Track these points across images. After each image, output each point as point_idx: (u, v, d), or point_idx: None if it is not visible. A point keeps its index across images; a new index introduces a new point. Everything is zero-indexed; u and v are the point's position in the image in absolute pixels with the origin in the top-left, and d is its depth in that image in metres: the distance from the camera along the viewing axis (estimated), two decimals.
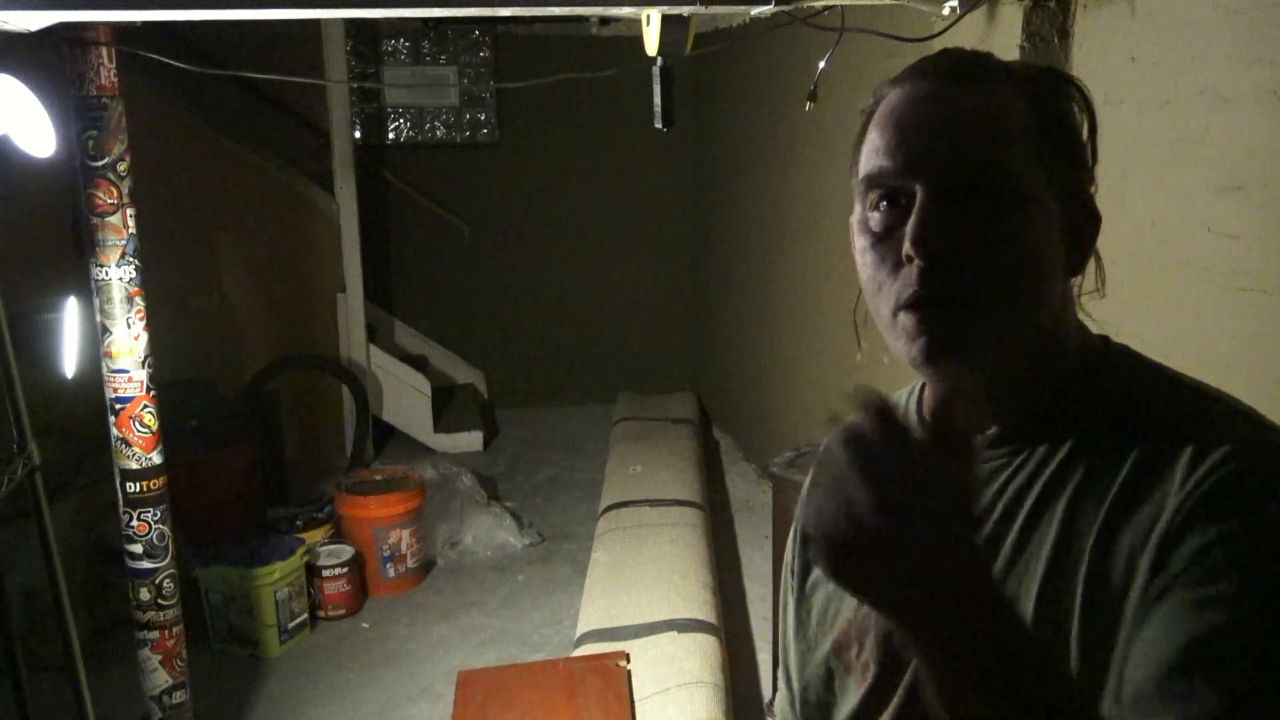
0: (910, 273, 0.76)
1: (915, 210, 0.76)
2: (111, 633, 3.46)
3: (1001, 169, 0.75)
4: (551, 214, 6.26)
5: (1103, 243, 0.81)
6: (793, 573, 0.95)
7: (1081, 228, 0.80)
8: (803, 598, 0.93)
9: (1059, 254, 0.78)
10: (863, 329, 0.90)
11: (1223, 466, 0.67)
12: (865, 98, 0.87)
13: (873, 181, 0.79)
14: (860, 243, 0.81)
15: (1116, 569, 0.68)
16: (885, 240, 0.78)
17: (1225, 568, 0.64)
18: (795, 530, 0.97)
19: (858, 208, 0.82)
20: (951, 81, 0.79)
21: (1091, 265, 0.82)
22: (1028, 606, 0.71)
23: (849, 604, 0.86)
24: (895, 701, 0.80)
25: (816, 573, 0.91)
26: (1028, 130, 0.77)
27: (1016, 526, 0.76)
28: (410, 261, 6.16)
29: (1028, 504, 0.76)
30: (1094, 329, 0.84)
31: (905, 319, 0.77)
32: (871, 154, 0.80)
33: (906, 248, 0.75)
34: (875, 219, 0.79)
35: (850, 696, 0.85)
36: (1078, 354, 0.81)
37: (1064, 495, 0.74)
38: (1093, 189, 0.82)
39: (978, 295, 0.75)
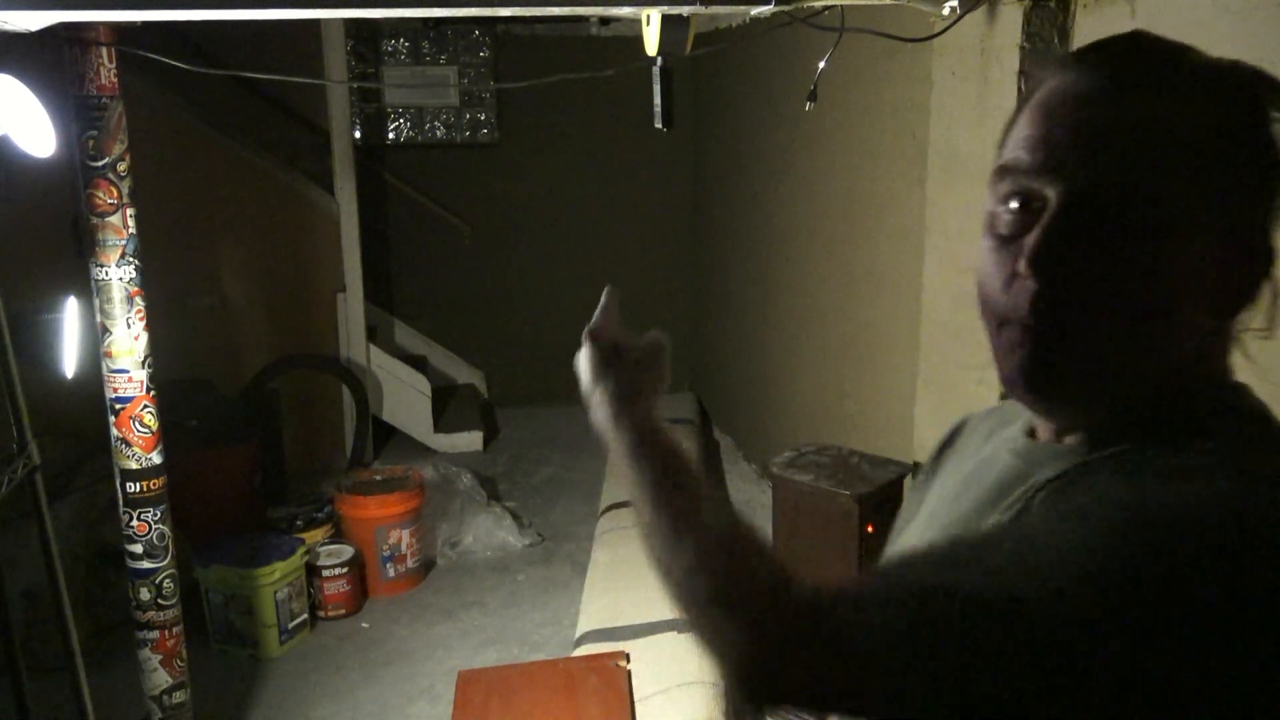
0: (1022, 290, 0.70)
1: (1042, 221, 0.69)
2: (111, 633, 3.46)
3: (1149, 194, 0.66)
4: (551, 214, 6.26)
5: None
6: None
7: (1241, 265, 0.69)
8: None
9: (1203, 294, 0.68)
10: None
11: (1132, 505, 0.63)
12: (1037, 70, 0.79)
13: (1005, 173, 0.73)
14: (984, 239, 0.75)
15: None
16: (1008, 245, 0.72)
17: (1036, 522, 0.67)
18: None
19: (989, 197, 0.76)
20: (1120, 81, 0.70)
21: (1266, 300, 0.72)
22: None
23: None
24: None
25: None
26: (1197, 150, 0.67)
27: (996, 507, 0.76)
28: (410, 261, 6.15)
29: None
30: (1252, 371, 0.76)
31: (1007, 337, 0.72)
32: (1014, 142, 0.74)
33: (1022, 263, 0.69)
34: (1003, 218, 0.73)
35: None
36: (1185, 401, 0.71)
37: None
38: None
39: (1090, 331, 0.68)
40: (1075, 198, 0.68)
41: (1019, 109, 0.76)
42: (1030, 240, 0.69)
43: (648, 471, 0.82)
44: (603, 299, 1.01)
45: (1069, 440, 0.75)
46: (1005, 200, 0.72)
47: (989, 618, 0.59)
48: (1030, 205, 0.70)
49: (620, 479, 0.86)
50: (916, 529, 0.90)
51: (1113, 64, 0.72)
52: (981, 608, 0.59)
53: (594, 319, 0.99)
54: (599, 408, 0.92)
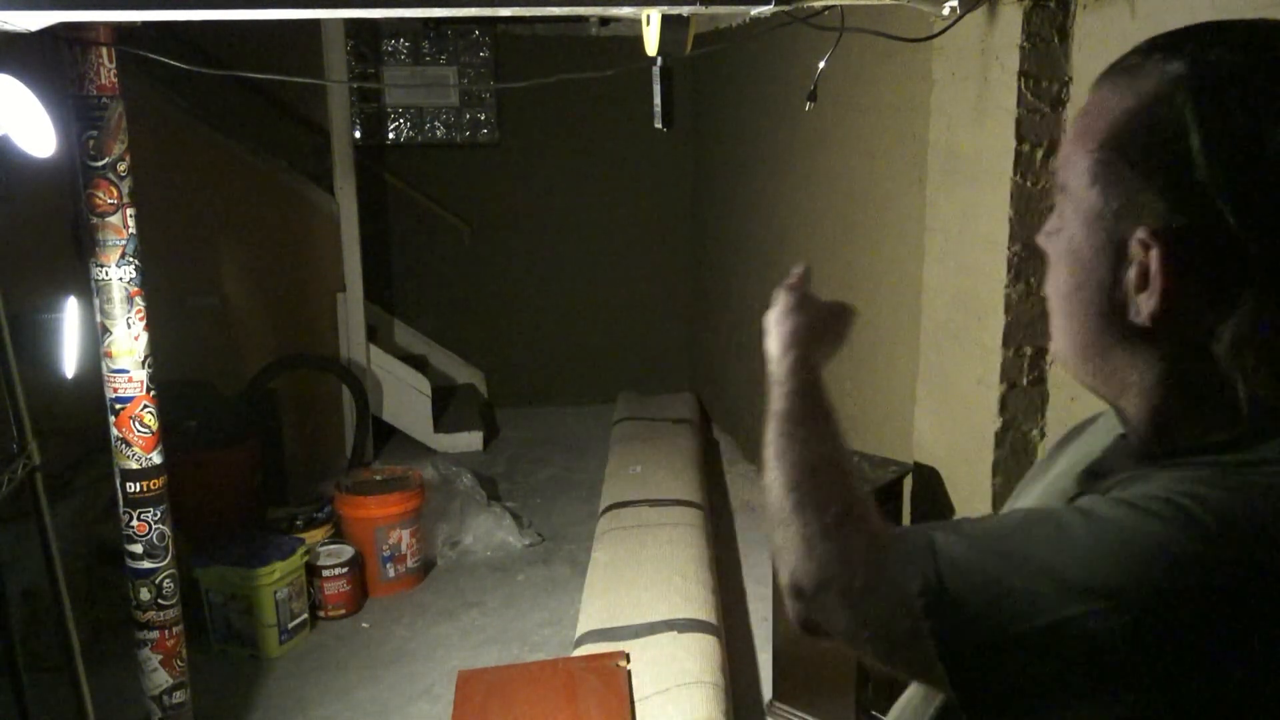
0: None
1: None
2: (111, 633, 3.46)
3: (1072, 184, 0.74)
4: (551, 214, 6.26)
5: None
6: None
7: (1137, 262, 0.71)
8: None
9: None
10: None
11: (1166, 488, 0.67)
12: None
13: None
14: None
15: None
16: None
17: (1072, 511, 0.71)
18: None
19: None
20: (1105, 78, 0.74)
21: None
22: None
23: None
24: None
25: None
26: (1111, 144, 0.71)
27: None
28: (410, 261, 6.15)
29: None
30: None
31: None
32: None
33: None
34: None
35: None
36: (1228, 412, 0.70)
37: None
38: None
39: (1051, 313, 0.79)
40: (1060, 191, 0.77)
41: None
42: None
43: (783, 403, 0.91)
44: (798, 268, 1.07)
45: (1138, 436, 0.78)
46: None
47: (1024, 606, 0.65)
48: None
49: (768, 409, 0.92)
50: (1027, 502, 0.96)
51: (1114, 66, 0.76)
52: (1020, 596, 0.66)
53: (791, 278, 1.05)
54: (774, 340, 0.98)
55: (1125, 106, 0.70)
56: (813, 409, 0.90)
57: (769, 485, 0.84)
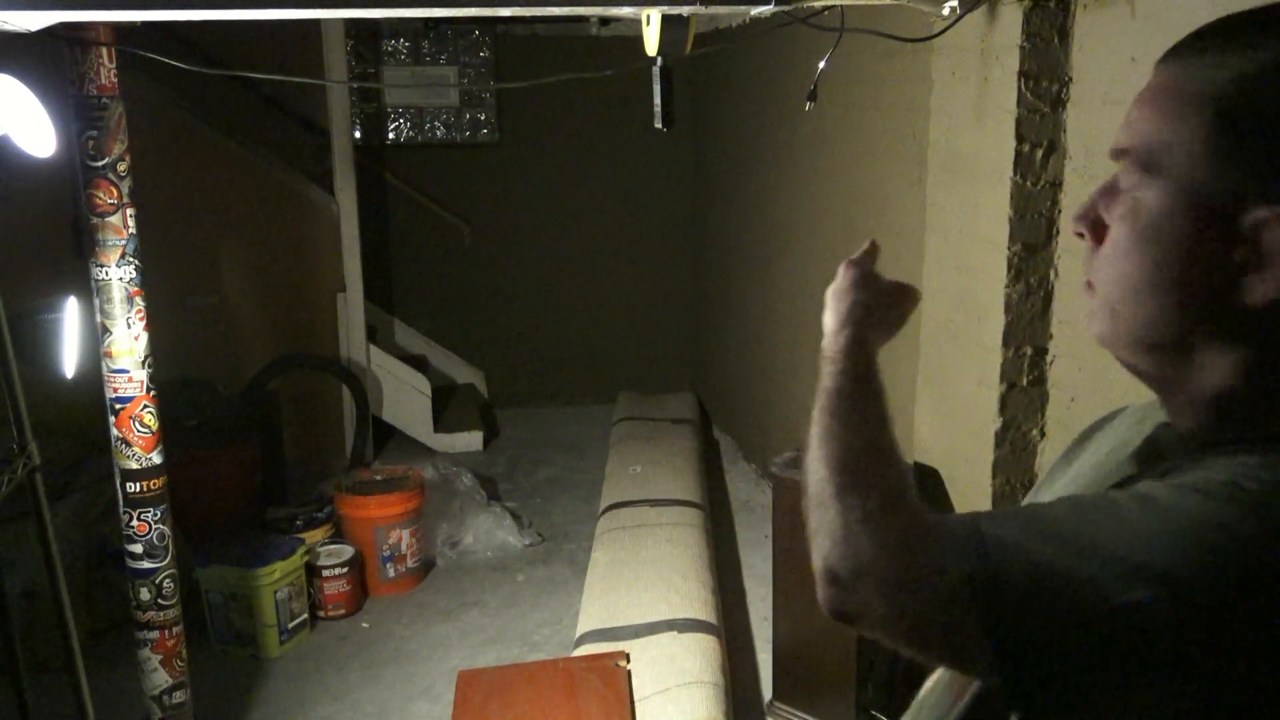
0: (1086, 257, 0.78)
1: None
2: (111, 633, 3.46)
3: (1164, 160, 0.69)
4: (551, 214, 6.26)
5: None
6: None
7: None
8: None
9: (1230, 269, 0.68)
10: None
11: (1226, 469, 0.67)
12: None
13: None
14: None
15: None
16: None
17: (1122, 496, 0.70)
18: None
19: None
20: (1177, 56, 0.72)
21: None
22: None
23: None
24: None
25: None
26: (1229, 117, 0.67)
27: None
28: (410, 261, 6.15)
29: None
30: None
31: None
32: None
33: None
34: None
35: None
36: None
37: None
38: None
39: (1117, 296, 0.74)
40: (1124, 166, 0.74)
41: None
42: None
43: (833, 381, 0.89)
44: (866, 246, 1.04)
45: (1201, 422, 0.76)
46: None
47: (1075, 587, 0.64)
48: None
49: (818, 385, 0.91)
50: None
51: (1183, 43, 0.74)
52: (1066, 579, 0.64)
53: (856, 254, 1.03)
54: (830, 315, 0.96)
55: (1242, 75, 0.67)
56: (863, 391, 0.87)
57: (811, 465, 0.83)
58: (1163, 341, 0.73)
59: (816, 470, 0.81)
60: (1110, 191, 0.75)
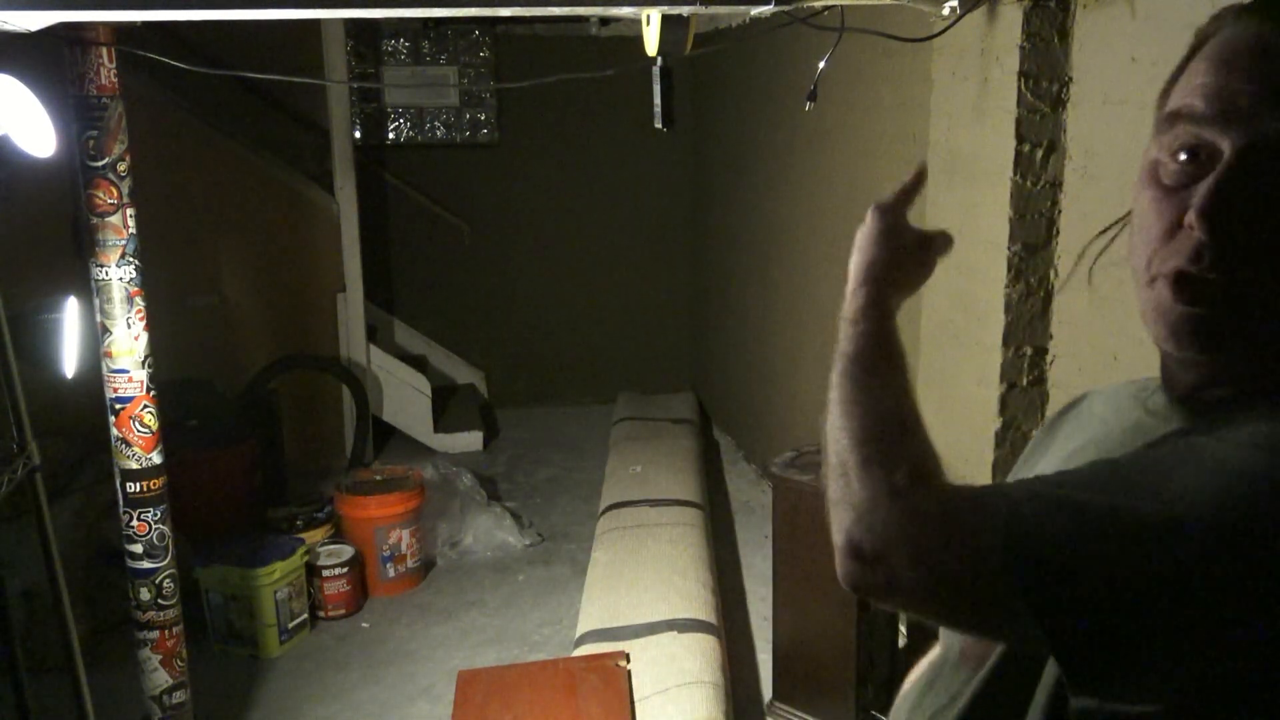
0: (1185, 242, 0.68)
1: (1215, 173, 0.67)
2: (111, 633, 3.46)
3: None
4: (551, 214, 6.26)
5: None
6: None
7: None
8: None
9: None
10: (1092, 268, 0.85)
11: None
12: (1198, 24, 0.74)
13: (1176, 120, 0.70)
14: (1143, 189, 0.73)
15: None
16: (1171, 195, 0.70)
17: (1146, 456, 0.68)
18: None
19: (1152, 146, 0.74)
20: None
21: None
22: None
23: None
24: None
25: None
26: None
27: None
28: (410, 261, 6.16)
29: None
30: None
31: (1162, 290, 0.70)
32: (1187, 89, 0.70)
33: (1191, 215, 0.67)
34: (1168, 168, 0.71)
35: None
36: None
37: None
38: None
39: (1257, 288, 0.67)
40: (1253, 150, 0.66)
41: (1189, 57, 0.73)
42: (1203, 189, 0.67)
43: (851, 345, 0.85)
44: (907, 179, 0.98)
45: (1209, 395, 0.74)
46: (1175, 150, 0.70)
47: (1142, 532, 0.61)
48: (1199, 156, 0.69)
49: (837, 346, 0.87)
50: None
51: None
52: (1136, 521, 0.62)
53: (888, 197, 0.96)
54: (854, 265, 0.92)
55: None
56: (886, 355, 0.84)
57: (832, 434, 0.79)
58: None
59: (838, 440, 0.78)
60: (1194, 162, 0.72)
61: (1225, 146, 0.67)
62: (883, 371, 0.83)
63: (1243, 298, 0.68)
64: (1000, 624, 0.68)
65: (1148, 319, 0.73)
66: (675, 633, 3.10)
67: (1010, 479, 0.98)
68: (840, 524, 0.73)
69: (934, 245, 0.94)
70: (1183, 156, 0.69)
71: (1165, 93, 0.75)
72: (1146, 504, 0.62)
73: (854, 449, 0.75)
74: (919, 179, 0.98)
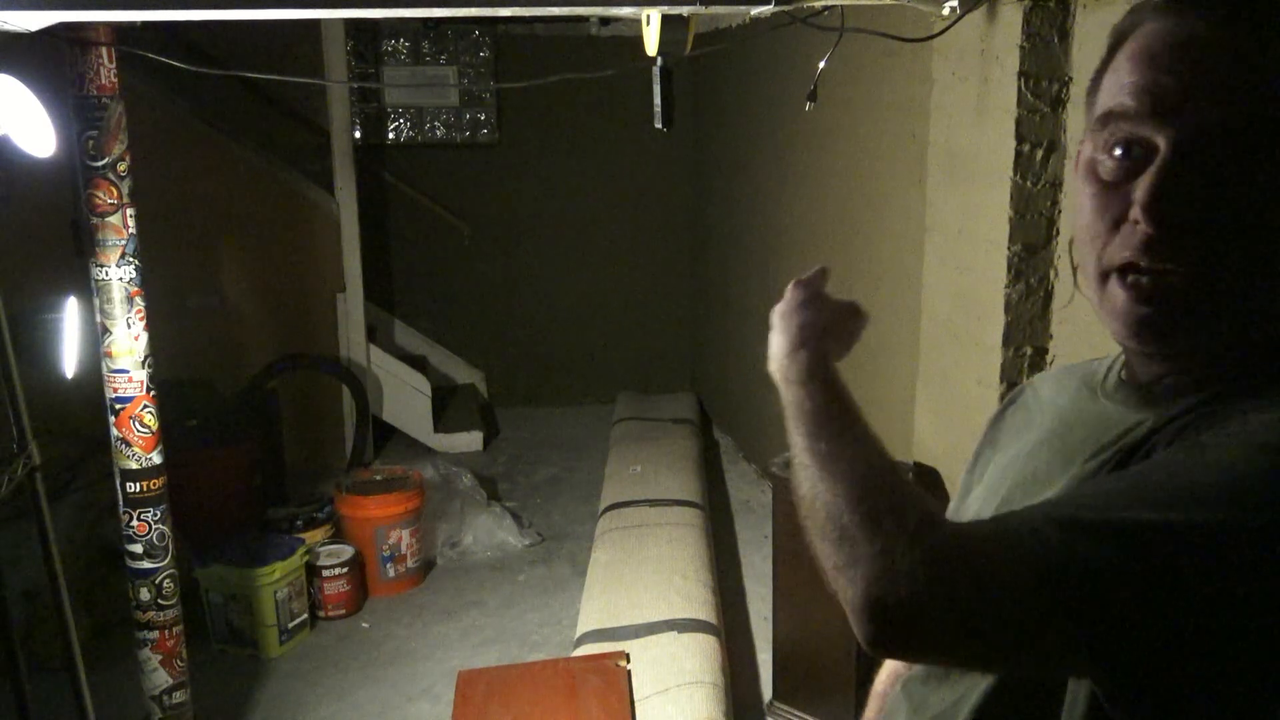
0: (1132, 236, 0.70)
1: (1154, 167, 0.68)
2: (111, 633, 3.46)
3: (1266, 130, 0.66)
4: (551, 214, 6.26)
5: None
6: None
7: None
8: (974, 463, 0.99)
9: None
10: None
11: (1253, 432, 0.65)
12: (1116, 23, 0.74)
13: (1110, 120, 0.71)
14: (1083, 186, 0.74)
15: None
16: (1112, 191, 0.71)
17: (1156, 472, 0.67)
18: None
19: (1088, 144, 0.75)
20: (1226, 21, 0.68)
21: None
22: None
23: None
24: None
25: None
26: None
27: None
28: (410, 261, 6.16)
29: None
30: None
31: (1115, 288, 0.72)
32: (1115, 88, 0.72)
33: (1135, 210, 0.69)
34: (1105, 165, 0.72)
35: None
36: None
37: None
38: None
39: (1209, 274, 0.68)
40: (1188, 142, 0.67)
41: (1111, 53, 0.74)
42: (1144, 185, 0.69)
43: (812, 402, 0.84)
44: (815, 269, 1.04)
45: (1170, 382, 0.75)
46: (1110, 147, 0.72)
47: (1178, 546, 0.60)
48: (1133, 152, 0.70)
49: (787, 410, 0.87)
50: (987, 488, 0.91)
51: (1218, 5, 0.69)
52: (1170, 537, 0.61)
53: (805, 274, 1.01)
54: (782, 335, 0.93)
55: None
56: (848, 407, 0.83)
57: (817, 497, 0.75)
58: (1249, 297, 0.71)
59: (829, 502, 0.73)
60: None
61: (1160, 141, 0.68)
62: (853, 423, 0.81)
63: (1195, 288, 0.69)
64: (1053, 659, 0.65)
65: (1104, 317, 0.74)
66: (675, 633, 3.10)
67: (962, 478, 0.99)
68: (856, 586, 0.68)
69: (855, 315, 0.98)
70: (1119, 153, 0.71)
71: (1093, 89, 0.76)
72: (1176, 514, 0.61)
73: (852, 507, 0.71)
74: (824, 271, 1.03)
